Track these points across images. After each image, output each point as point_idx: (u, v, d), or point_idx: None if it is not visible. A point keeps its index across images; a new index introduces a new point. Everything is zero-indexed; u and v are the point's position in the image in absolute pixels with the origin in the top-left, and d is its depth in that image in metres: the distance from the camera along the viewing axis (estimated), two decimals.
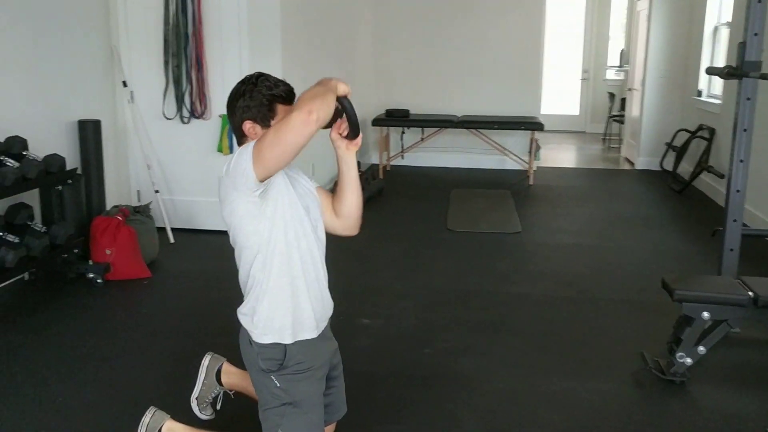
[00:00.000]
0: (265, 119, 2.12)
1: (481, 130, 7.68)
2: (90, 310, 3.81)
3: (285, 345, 2.20)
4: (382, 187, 6.69)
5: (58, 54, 4.50)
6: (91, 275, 4.08)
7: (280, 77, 2.28)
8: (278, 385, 2.22)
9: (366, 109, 7.91)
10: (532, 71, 8.07)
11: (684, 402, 2.93)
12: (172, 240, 5.05)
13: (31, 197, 4.11)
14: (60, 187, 4.02)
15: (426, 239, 5.30)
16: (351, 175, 2.33)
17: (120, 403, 2.78)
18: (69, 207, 4.15)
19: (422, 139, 7.87)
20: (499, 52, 8.01)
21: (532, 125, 7.36)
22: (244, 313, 2.23)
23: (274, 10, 5.03)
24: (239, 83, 2.16)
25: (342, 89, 2.07)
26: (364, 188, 5.87)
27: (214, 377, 2.70)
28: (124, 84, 5.12)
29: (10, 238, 3.59)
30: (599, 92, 11.39)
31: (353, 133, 2.20)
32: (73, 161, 4.60)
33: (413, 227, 5.65)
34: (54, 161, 3.83)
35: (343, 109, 2.11)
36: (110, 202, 4.88)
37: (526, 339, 3.51)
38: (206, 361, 2.71)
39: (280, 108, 2.15)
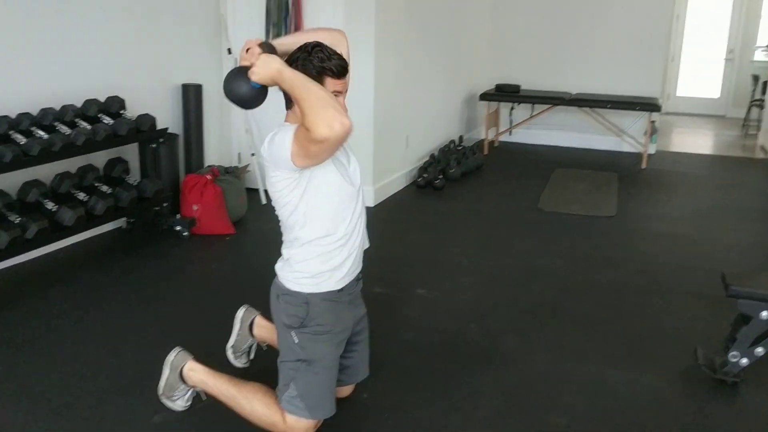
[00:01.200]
0: None
1: (595, 109, 7.37)
2: (170, 260, 4.12)
3: (309, 303, 2.31)
4: (481, 164, 6.60)
5: (168, 22, 4.84)
6: (178, 228, 4.40)
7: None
8: (296, 341, 2.34)
9: (476, 83, 7.82)
10: (656, 49, 7.56)
11: (729, 403, 2.74)
12: (264, 201, 5.30)
13: (133, 153, 4.49)
14: (154, 145, 4.34)
15: (511, 217, 5.21)
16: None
17: (167, 342, 3.01)
18: (164, 164, 4.48)
19: (532, 116, 7.67)
20: (622, 28, 7.58)
21: (648, 106, 6.94)
22: (282, 265, 2.38)
23: None
24: (296, 50, 2.24)
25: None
26: (460, 163, 5.90)
27: (247, 328, 2.86)
28: (229, 51, 5.39)
29: (104, 188, 3.95)
30: (744, 74, 10.47)
31: None
32: (176, 122, 4.95)
33: (501, 205, 5.56)
34: (145, 120, 4.14)
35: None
36: (210, 161, 5.21)
37: (579, 324, 3.40)
38: (240, 312, 2.87)
39: (329, 81, 2.21)
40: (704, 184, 6.55)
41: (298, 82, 2.06)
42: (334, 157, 2.26)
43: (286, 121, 2.29)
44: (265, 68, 2.11)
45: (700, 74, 10.96)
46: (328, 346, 2.36)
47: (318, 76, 2.16)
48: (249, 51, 2.22)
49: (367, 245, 2.49)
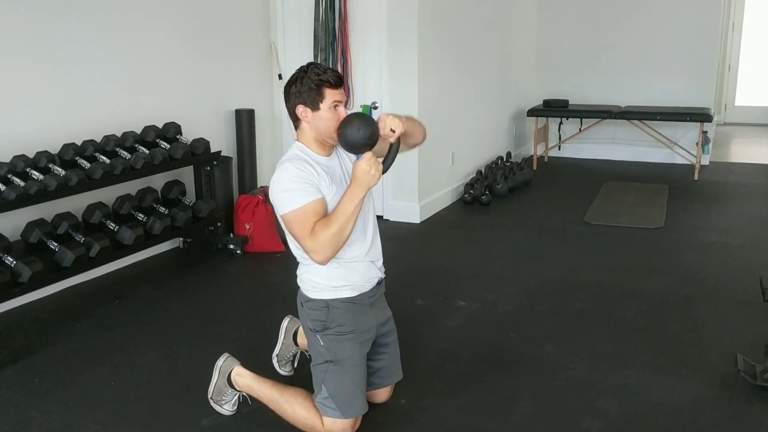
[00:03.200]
0: (314, 103, 2.37)
1: (645, 122, 7.32)
2: (224, 277, 4.32)
3: (329, 306, 2.47)
4: (529, 179, 6.64)
5: (221, 51, 5.11)
6: (231, 246, 4.61)
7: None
8: (322, 343, 2.49)
9: (524, 99, 7.88)
10: (707, 59, 7.46)
11: None
12: None
13: (190, 176, 4.73)
14: (209, 168, 4.58)
15: (557, 231, 5.23)
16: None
17: (218, 351, 3.18)
18: (218, 185, 4.71)
19: (580, 130, 7.67)
20: (671, 39, 7.51)
21: (699, 117, 6.86)
22: (301, 279, 2.56)
23: (412, 4, 5.22)
24: (294, 72, 2.43)
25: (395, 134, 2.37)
26: (507, 178, 5.96)
27: (291, 338, 3.01)
28: (280, 77, 5.63)
29: (162, 209, 4.19)
30: None
31: (384, 167, 2.41)
32: (230, 145, 5.20)
33: (548, 218, 5.59)
34: (199, 144, 4.38)
35: (390, 152, 2.42)
36: (263, 182, 5.43)
37: (619, 332, 3.42)
38: (285, 323, 3.03)
39: (328, 92, 2.38)
40: (758, 193, 6.42)
41: (356, 205, 2.30)
42: (340, 185, 2.43)
43: (296, 139, 2.48)
44: (373, 174, 2.31)
45: (761, 83, 10.68)
46: (353, 345, 2.50)
47: (318, 89, 2.35)
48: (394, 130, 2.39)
49: (382, 275, 2.64)
